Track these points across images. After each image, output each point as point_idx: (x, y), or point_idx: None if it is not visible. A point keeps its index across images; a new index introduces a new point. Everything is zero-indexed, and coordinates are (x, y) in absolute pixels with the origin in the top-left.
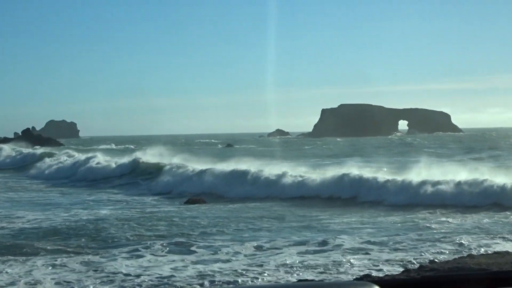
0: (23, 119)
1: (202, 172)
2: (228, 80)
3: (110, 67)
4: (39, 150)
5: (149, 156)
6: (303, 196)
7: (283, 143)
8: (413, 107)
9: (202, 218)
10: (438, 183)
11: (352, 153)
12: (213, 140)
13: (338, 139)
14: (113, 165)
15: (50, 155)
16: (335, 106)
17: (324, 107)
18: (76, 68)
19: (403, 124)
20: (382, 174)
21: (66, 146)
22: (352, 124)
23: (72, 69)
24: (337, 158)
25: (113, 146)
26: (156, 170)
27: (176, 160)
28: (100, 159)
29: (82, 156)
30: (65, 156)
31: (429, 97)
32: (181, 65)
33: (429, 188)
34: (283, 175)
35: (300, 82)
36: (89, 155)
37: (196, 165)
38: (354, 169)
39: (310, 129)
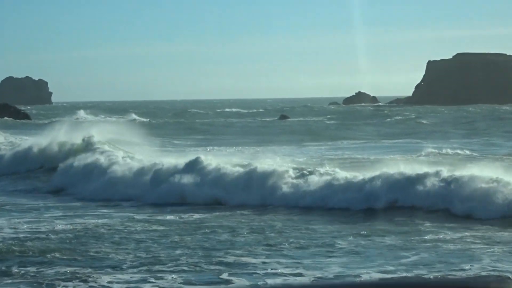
0: None
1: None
2: (282, 16)
3: (90, 1)
4: None
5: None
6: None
7: (362, 114)
8: None
9: None
10: None
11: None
12: (260, 110)
13: (445, 110)
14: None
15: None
16: (449, 56)
17: (432, 59)
18: (46, 1)
19: None
20: None
21: (35, 121)
22: (475, 85)
23: (40, 3)
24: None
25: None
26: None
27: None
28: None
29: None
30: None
31: None
32: None
33: None
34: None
35: (396, 20)
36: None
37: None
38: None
39: (409, 93)
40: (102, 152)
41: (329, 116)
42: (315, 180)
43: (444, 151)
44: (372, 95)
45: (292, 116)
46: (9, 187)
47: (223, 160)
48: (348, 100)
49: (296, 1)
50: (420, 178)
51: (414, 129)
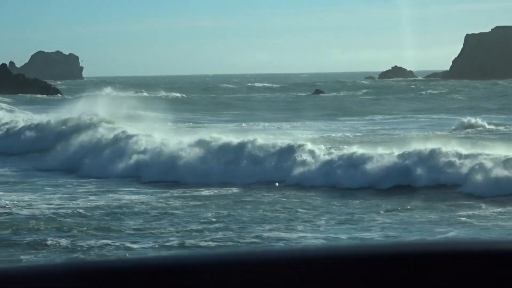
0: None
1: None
2: None
3: None
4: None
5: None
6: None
7: (395, 89)
8: None
9: None
10: None
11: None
12: (293, 84)
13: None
14: None
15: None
16: (487, 30)
17: (470, 32)
18: None
19: None
20: None
21: (65, 96)
22: None
23: None
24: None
25: (145, 94)
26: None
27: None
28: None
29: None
30: None
31: None
32: None
33: None
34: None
35: None
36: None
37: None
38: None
39: (447, 67)
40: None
41: (364, 91)
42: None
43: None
44: (408, 69)
45: (327, 91)
46: (26, 165)
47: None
48: (384, 75)
49: None
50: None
51: (446, 104)
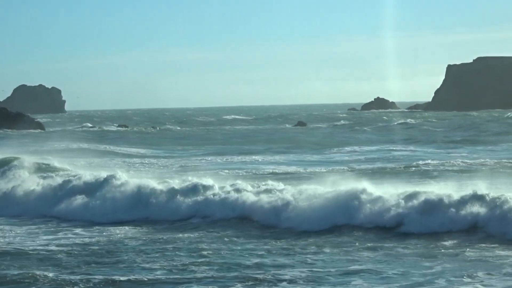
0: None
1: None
2: (297, 23)
3: (106, 9)
4: None
5: None
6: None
7: (375, 120)
8: None
9: None
10: None
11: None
12: (267, 114)
13: (474, 113)
14: None
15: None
16: (469, 60)
17: (452, 62)
18: (57, 10)
19: None
20: None
21: (48, 131)
22: (496, 89)
23: (52, 11)
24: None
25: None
26: None
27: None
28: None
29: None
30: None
31: None
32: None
33: None
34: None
35: (415, 24)
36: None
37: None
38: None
39: (429, 98)
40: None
41: (341, 122)
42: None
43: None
44: (391, 100)
45: (311, 123)
46: None
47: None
48: (366, 106)
49: (310, 7)
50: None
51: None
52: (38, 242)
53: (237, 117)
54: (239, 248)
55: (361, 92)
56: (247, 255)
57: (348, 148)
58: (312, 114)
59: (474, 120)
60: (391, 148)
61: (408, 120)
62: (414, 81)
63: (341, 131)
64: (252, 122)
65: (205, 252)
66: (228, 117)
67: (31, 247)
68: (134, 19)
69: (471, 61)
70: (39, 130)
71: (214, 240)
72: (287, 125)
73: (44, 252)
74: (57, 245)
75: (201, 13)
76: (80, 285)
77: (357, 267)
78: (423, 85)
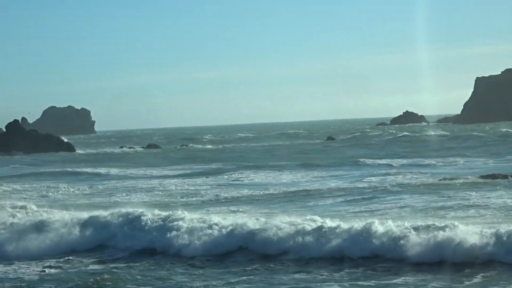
0: (10, 107)
1: None
2: (324, 37)
3: (136, 30)
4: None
5: None
6: None
7: (404, 135)
8: None
9: None
10: None
11: None
12: (300, 131)
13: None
14: None
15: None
16: (497, 72)
17: (480, 75)
18: (87, 33)
19: None
20: None
21: (80, 154)
22: None
23: (80, 34)
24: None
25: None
26: None
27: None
28: None
29: None
30: None
31: None
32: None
33: None
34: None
35: (444, 36)
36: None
37: None
38: None
39: (458, 111)
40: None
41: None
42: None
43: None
44: (420, 114)
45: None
46: None
47: None
48: (395, 120)
49: (333, 21)
50: None
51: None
52: None
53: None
54: None
55: (387, 107)
56: None
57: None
58: (351, 128)
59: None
60: None
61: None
62: (443, 94)
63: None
64: (282, 138)
65: None
66: (249, 134)
67: None
68: (154, 40)
69: (499, 73)
70: (67, 152)
71: None
72: (316, 141)
73: None
74: None
75: (211, 32)
76: None
77: None
78: (452, 98)
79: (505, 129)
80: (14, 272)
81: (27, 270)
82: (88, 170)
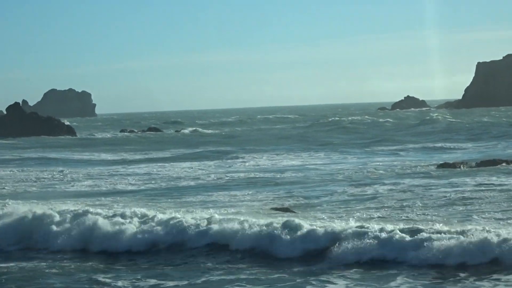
0: (10, 88)
1: None
2: (325, 23)
3: (134, 12)
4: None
5: None
6: None
7: (402, 121)
8: None
9: None
10: None
11: None
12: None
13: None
14: None
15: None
16: (499, 58)
17: (481, 60)
18: (85, 14)
19: None
20: None
21: (84, 136)
22: None
23: (79, 15)
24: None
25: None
26: None
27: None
28: None
29: None
30: None
31: None
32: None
33: None
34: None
35: (446, 21)
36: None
37: None
38: None
39: (459, 96)
40: None
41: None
42: None
43: None
44: (421, 99)
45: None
46: None
47: None
48: (396, 105)
49: (335, 6)
50: None
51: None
52: None
53: (283, 116)
54: None
55: (387, 91)
56: None
57: None
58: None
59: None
60: None
61: None
62: (444, 79)
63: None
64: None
65: None
66: (270, 116)
67: None
68: (164, 22)
69: (501, 58)
70: (69, 136)
71: None
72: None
73: None
74: None
75: (226, 15)
76: None
77: None
78: (454, 83)
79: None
80: None
81: None
82: (75, 156)
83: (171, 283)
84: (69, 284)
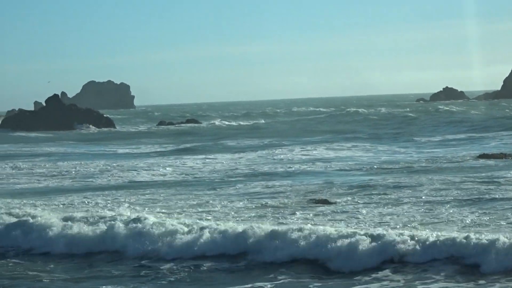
0: (48, 80)
1: None
2: (360, 13)
3: (173, 1)
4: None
5: None
6: None
7: (441, 112)
8: None
9: None
10: None
11: None
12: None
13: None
14: None
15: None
16: None
17: None
18: (124, 4)
19: None
20: None
21: (124, 130)
22: None
23: (118, 6)
24: None
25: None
26: None
27: None
28: None
29: None
30: None
31: None
32: None
33: None
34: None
35: (485, 10)
36: None
37: None
38: None
39: (498, 87)
40: None
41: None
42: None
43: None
44: (460, 90)
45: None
46: None
47: None
48: (435, 96)
49: None
50: None
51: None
52: None
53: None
54: None
55: (419, 82)
56: None
57: None
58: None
59: None
60: None
61: None
62: (483, 70)
63: None
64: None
65: None
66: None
67: None
68: (200, 13)
69: None
70: (109, 129)
71: None
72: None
73: None
74: None
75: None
76: None
77: None
78: (493, 74)
79: None
80: None
81: None
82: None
83: None
84: None
